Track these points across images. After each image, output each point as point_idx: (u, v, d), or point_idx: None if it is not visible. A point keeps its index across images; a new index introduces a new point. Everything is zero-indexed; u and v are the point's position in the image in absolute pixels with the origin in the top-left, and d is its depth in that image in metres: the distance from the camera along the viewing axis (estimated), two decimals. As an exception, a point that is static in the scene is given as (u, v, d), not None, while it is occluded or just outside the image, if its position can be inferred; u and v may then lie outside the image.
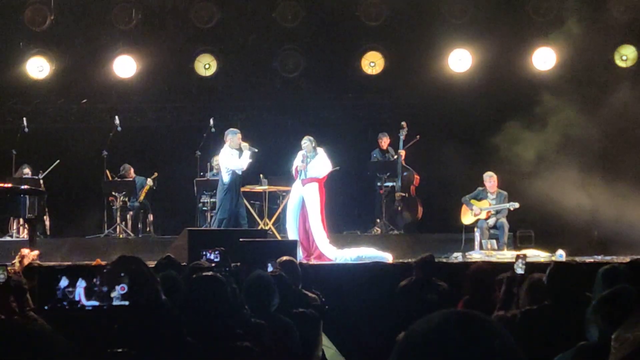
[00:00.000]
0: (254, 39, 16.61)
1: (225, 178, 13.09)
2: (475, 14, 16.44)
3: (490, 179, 14.22)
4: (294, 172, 13.04)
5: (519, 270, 6.60)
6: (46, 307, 3.74)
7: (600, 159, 15.61)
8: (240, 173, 13.12)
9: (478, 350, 1.63)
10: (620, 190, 14.45)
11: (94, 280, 3.83)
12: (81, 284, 3.81)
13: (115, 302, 3.74)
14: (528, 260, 6.85)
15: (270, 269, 7.36)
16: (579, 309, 5.17)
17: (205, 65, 16.77)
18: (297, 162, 13.00)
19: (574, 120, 15.89)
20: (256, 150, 13.18)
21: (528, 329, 5.41)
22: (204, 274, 4.64)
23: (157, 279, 4.25)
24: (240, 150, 13.09)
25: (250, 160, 13.13)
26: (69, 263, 11.40)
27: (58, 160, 15.03)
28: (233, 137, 13.14)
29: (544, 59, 16.61)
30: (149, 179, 15.66)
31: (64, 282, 3.81)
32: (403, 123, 15.17)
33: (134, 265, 4.10)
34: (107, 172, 15.29)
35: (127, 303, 3.78)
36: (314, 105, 17.06)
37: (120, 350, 3.55)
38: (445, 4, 16.47)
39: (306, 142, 13.02)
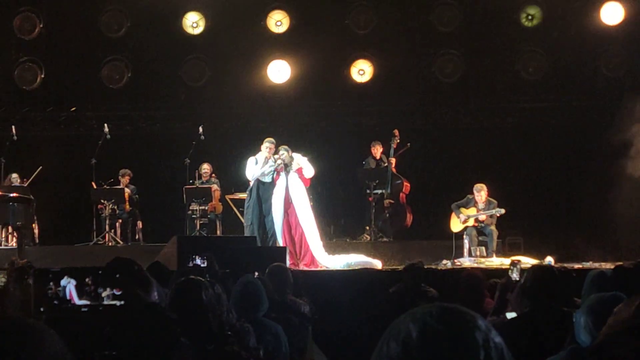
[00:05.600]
0: (244, 47, 16.62)
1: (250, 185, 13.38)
2: (463, 21, 16.51)
3: (480, 191, 14.01)
4: (274, 176, 13.04)
5: (514, 276, 6.53)
6: (42, 309, 3.74)
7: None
8: (265, 181, 13.23)
9: (460, 343, 1.64)
10: None
11: (87, 279, 3.84)
12: (72, 283, 3.81)
13: (106, 302, 3.74)
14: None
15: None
16: (559, 313, 5.17)
17: (196, 73, 16.77)
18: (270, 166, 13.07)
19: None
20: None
21: (513, 337, 5.39)
22: (182, 279, 4.62)
23: (152, 281, 4.24)
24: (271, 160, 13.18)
25: (270, 170, 13.16)
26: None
27: (40, 167, 14.97)
28: (263, 146, 13.31)
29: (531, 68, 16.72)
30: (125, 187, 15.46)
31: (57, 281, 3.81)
32: (395, 131, 15.15)
33: (129, 267, 4.09)
34: (93, 183, 15.14)
35: (120, 303, 3.78)
36: (303, 112, 17.06)
37: (110, 353, 3.54)
38: (433, 12, 16.51)
39: (282, 152, 12.99)
